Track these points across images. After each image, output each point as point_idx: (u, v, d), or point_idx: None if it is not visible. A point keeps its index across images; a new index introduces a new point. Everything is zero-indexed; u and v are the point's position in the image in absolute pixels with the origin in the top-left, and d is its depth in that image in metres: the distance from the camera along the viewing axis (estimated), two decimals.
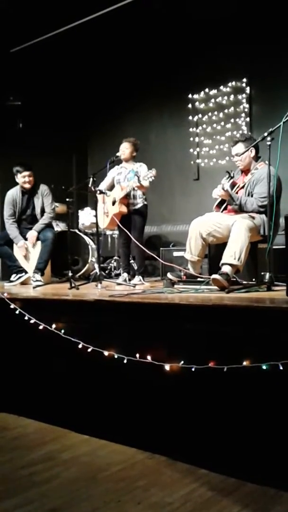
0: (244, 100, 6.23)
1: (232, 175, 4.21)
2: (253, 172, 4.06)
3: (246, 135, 4.18)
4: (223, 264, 3.66)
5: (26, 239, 5.27)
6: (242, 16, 5.94)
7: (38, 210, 5.31)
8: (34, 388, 3.60)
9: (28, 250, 5.28)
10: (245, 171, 4.21)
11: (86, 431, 3.18)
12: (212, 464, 2.58)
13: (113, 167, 5.20)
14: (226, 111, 6.39)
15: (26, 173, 5.18)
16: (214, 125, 6.52)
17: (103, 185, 5.23)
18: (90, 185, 4.71)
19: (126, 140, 5.20)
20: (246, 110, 6.21)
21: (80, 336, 3.14)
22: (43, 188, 5.33)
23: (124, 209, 5.01)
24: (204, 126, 6.62)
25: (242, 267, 3.72)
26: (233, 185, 4.15)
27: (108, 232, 6.42)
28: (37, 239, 5.25)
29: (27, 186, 5.23)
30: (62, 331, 3.26)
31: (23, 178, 5.19)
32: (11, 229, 5.24)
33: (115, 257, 6.33)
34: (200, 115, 6.66)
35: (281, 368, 2.31)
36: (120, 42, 6.70)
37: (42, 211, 5.32)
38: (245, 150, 4.04)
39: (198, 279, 4.00)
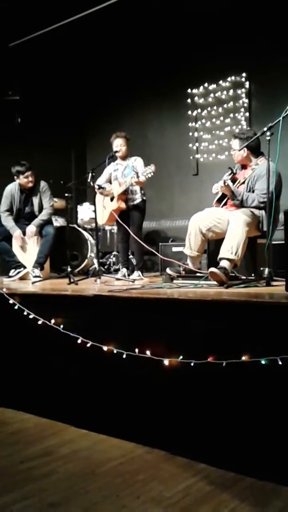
0: (243, 95, 6.21)
1: (235, 171, 4.21)
2: (253, 168, 4.06)
3: (248, 133, 4.14)
4: (220, 258, 3.67)
5: (25, 234, 5.27)
6: (242, 10, 5.91)
7: (36, 208, 5.30)
8: (33, 383, 3.60)
9: (25, 241, 5.27)
10: (245, 166, 4.20)
11: (85, 425, 3.19)
12: (211, 459, 2.59)
13: (110, 162, 5.18)
14: (225, 106, 6.38)
15: (28, 173, 5.15)
16: (214, 120, 6.50)
17: (100, 182, 5.22)
18: (89, 180, 4.70)
19: (119, 136, 5.15)
20: (245, 105, 6.20)
21: (79, 331, 3.14)
22: (42, 185, 5.32)
23: (122, 205, 5.00)
24: (204, 121, 6.61)
25: (240, 262, 3.72)
26: (233, 181, 4.14)
27: (107, 228, 6.41)
28: (39, 234, 5.25)
29: (30, 185, 5.22)
30: (61, 326, 3.25)
31: (25, 178, 5.16)
32: (7, 221, 5.23)
33: (114, 252, 6.32)
34: (199, 110, 6.64)
35: (280, 363, 2.31)
36: (119, 37, 6.68)
37: (41, 208, 5.31)
38: (238, 149, 4.05)
39: (197, 274, 4.00)
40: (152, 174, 4.61)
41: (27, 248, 5.28)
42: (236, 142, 4.15)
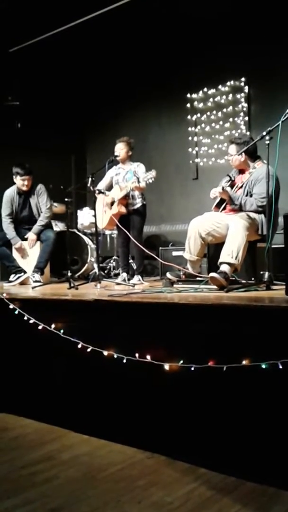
0: (242, 99, 6.23)
1: (233, 178, 4.22)
2: (251, 172, 4.07)
3: (244, 138, 4.16)
4: (220, 263, 3.67)
5: (25, 239, 5.28)
6: (241, 15, 5.94)
7: (35, 210, 5.32)
8: (33, 388, 3.60)
9: (25, 252, 5.29)
10: (242, 170, 4.21)
11: (86, 431, 3.18)
12: (211, 463, 2.58)
13: (111, 167, 5.20)
14: (224, 110, 6.40)
15: (26, 177, 5.18)
16: (213, 124, 6.52)
17: (101, 186, 5.23)
18: (89, 185, 4.71)
19: (119, 141, 5.20)
20: (244, 109, 6.22)
21: (79, 336, 3.14)
22: (38, 187, 5.33)
23: (123, 209, 5.01)
24: (203, 125, 6.63)
25: (240, 266, 3.73)
26: (231, 186, 4.15)
27: (107, 232, 6.42)
28: (38, 239, 5.26)
29: (24, 188, 5.24)
30: (62, 331, 3.25)
31: (22, 181, 5.20)
32: (9, 230, 5.24)
33: (114, 257, 6.33)
34: (198, 115, 6.66)
35: (280, 367, 2.31)
36: (118, 42, 6.70)
37: (39, 212, 5.32)
38: (235, 154, 4.07)
39: (197, 278, 4.00)
40: (153, 179, 4.62)
41: (28, 253, 5.30)
42: (232, 147, 4.16)
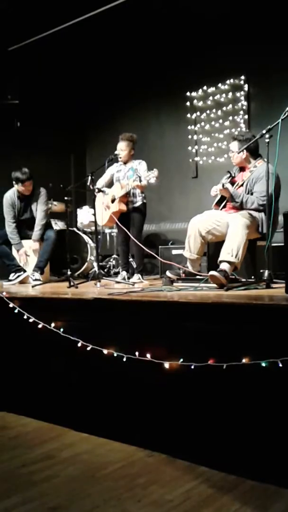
0: (242, 98, 6.23)
1: (233, 174, 4.21)
2: (252, 170, 4.06)
3: (246, 135, 4.15)
4: (220, 261, 3.67)
5: (24, 238, 5.27)
6: (241, 14, 5.93)
7: (35, 214, 5.30)
8: (33, 386, 3.60)
9: (26, 258, 5.29)
10: (243, 168, 4.21)
11: (86, 429, 3.18)
12: (212, 462, 2.58)
13: (111, 165, 5.18)
14: (224, 108, 6.39)
15: (27, 182, 5.15)
16: (213, 122, 6.52)
17: (101, 182, 5.21)
18: (88, 184, 4.70)
19: (122, 139, 5.13)
20: (244, 107, 6.21)
21: (79, 334, 3.13)
22: (38, 191, 5.31)
23: (123, 207, 5.00)
24: (203, 123, 6.62)
25: (240, 264, 3.72)
26: (232, 183, 4.15)
27: (107, 231, 6.41)
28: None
29: (26, 193, 5.22)
30: (61, 329, 3.25)
31: (23, 187, 5.17)
32: (13, 235, 5.24)
33: (114, 256, 6.33)
34: (198, 113, 6.66)
35: (280, 365, 2.31)
36: (118, 40, 6.69)
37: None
38: (237, 151, 4.06)
39: (197, 277, 4.00)
40: (155, 179, 4.53)
41: (28, 257, 5.30)
42: (235, 144, 4.16)
